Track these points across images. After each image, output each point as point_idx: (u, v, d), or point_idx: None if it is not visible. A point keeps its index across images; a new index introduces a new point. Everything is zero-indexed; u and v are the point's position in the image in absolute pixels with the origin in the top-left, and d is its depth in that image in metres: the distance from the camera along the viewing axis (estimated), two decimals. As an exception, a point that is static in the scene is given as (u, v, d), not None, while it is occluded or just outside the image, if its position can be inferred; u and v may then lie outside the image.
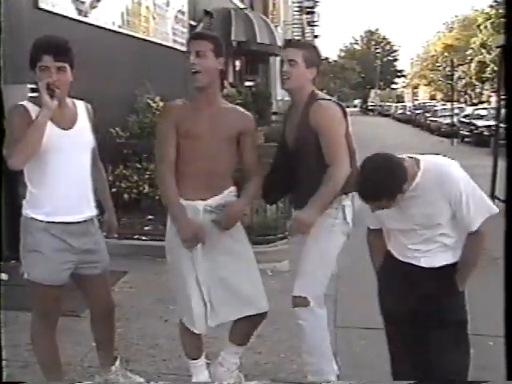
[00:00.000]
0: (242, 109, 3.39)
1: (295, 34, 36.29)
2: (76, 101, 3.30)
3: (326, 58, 51.08)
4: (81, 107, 3.30)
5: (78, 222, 3.19)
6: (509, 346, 1.88)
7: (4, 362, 3.00)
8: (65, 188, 3.14)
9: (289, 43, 3.58)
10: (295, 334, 3.55)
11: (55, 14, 7.51)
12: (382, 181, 2.55)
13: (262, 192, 3.50)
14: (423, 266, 2.83)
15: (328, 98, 3.41)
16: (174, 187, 3.19)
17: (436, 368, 2.85)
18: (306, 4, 41.76)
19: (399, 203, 2.68)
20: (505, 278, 2.43)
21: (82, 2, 8.43)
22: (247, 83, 21.00)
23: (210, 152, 3.19)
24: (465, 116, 26.44)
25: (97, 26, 8.89)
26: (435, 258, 2.81)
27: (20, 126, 2.98)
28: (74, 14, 8.14)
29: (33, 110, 3.05)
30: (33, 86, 3.38)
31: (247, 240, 3.41)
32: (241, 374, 3.60)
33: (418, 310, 2.83)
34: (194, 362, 3.48)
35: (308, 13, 43.06)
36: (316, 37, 51.15)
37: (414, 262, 2.86)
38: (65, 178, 3.13)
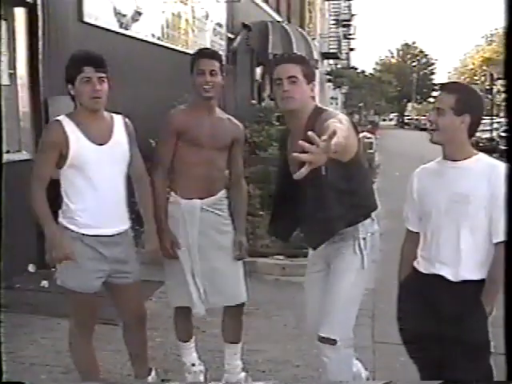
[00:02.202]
0: (234, 119, 3.68)
1: (331, 46, 36.32)
2: (114, 115, 3.34)
3: (363, 71, 50.84)
4: (118, 121, 3.33)
5: (111, 235, 3.25)
6: (509, 345, 1.85)
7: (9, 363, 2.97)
8: (98, 202, 3.19)
9: (284, 58, 3.17)
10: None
11: (98, 27, 7.66)
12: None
13: (270, 229, 3.45)
14: (449, 278, 2.76)
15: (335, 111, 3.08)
16: (162, 195, 3.53)
17: None
18: (343, 17, 41.81)
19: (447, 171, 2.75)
20: (505, 277, 2.39)
21: (124, 15, 8.58)
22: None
23: (209, 157, 3.50)
24: (504, 131, 26.06)
25: (138, 39, 9.04)
26: (462, 270, 2.74)
27: (50, 142, 3.15)
28: (116, 27, 8.30)
29: (68, 126, 3.14)
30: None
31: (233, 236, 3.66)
32: (248, 377, 3.78)
33: (438, 327, 2.76)
34: (185, 344, 3.80)
35: (344, 26, 43.11)
36: (352, 49, 51.18)
37: (439, 273, 2.79)
38: (98, 191, 3.18)
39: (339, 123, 2.51)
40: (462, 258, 2.75)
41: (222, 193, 3.63)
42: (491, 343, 2.75)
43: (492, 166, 2.74)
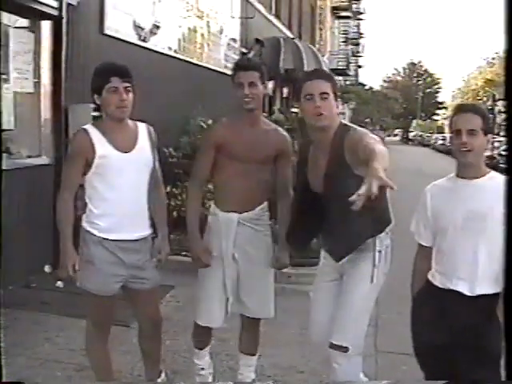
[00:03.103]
0: (281, 130, 3.49)
1: (340, 63, 36.37)
2: (138, 123, 3.35)
3: (370, 88, 50.91)
4: (142, 129, 3.34)
5: (131, 240, 3.25)
6: (509, 345, 1.84)
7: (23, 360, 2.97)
8: (120, 207, 3.20)
9: (315, 74, 3.16)
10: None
11: (118, 39, 7.73)
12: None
13: (288, 238, 3.38)
14: (465, 293, 2.75)
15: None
16: (195, 206, 3.45)
17: None
18: (352, 35, 41.94)
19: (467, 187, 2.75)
20: (505, 278, 2.39)
21: (143, 29, 8.65)
22: (294, 109, 21.08)
23: (248, 170, 3.30)
24: (505, 149, 26.05)
25: (155, 51, 9.10)
26: (478, 285, 2.73)
27: (77, 150, 3.18)
28: (135, 40, 8.37)
29: (94, 134, 3.16)
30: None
31: (271, 251, 3.54)
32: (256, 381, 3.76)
33: (453, 341, 2.75)
34: (201, 351, 3.65)
35: (353, 44, 43.23)
36: (360, 67, 51.20)
37: (456, 289, 2.78)
38: (121, 198, 3.20)
39: (376, 143, 2.66)
40: (478, 274, 2.74)
41: (262, 207, 3.44)
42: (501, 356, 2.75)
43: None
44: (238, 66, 3.39)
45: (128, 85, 3.16)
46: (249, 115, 3.33)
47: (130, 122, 3.29)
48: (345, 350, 3.06)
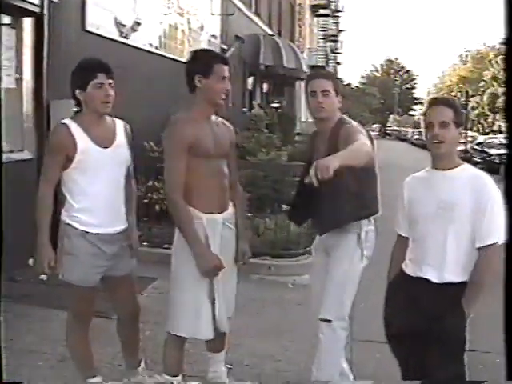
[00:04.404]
0: (226, 122, 3.39)
1: (319, 59, 36.41)
2: (116, 119, 3.34)
3: (348, 84, 51.07)
4: (119, 126, 3.33)
5: (112, 233, 3.25)
6: (509, 345, 1.87)
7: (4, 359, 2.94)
8: (100, 202, 3.19)
9: (319, 74, 3.55)
10: (314, 344, 3.57)
11: (100, 36, 7.67)
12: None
13: (288, 213, 3.55)
14: (433, 280, 2.79)
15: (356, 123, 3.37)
16: (190, 216, 3.12)
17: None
18: (330, 32, 41.90)
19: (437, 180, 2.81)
20: (505, 278, 2.43)
21: (124, 25, 8.60)
22: (273, 105, 21.10)
23: (220, 167, 3.25)
24: (478, 144, 26.39)
25: (136, 48, 9.05)
26: (446, 273, 2.78)
27: (58, 144, 3.15)
28: (116, 36, 8.32)
29: (74, 129, 3.14)
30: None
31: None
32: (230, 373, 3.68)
33: (420, 327, 2.79)
34: (174, 378, 3.35)
35: (332, 41, 43.20)
36: (338, 63, 51.19)
37: (425, 276, 2.82)
38: (101, 192, 3.19)
39: (359, 140, 2.99)
40: (446, 262, 2.78)
41: (231, 204, 3.36)
42: (467, 342, 2.80)
43: (476, 176, 2.79)
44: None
45: (112, 81, 3.16)
46: (213, 109, 3.22)
47: (107, 117, 3.27)
48: (329, 321, 3.31)
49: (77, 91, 3.16)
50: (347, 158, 2.79)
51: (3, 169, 5.69)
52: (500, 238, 2.72)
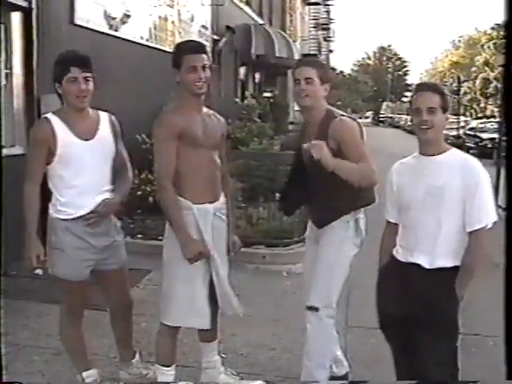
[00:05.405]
0: (217, 115, 3.39)
1: (311, 48, 36.30)
2: (100, 112, 3.32)
3: (341, 72, 51.00)
4: (104, 118, 3.31)
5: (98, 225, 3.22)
6: (509, 345, 1.87)
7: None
8: (86, 194, 3.18)
9: (303, 62, 3.45)
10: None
11: (89, 29, 7.62)
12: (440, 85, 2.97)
13: (279, 202, 3.56)
14: (425, 266, 2.79)
15: (344, 114, 3.38)
16: (178, 205, 3.11)
17: (425, 370, 2.80)
18: (322, 21, 41.75)
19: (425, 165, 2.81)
20: (505, 279, 2.43)
21: (114, 18, 8.53)
22: (266, 94, 21.07)
23: (211, 157, 3.25)
24: (470, 129, 26.41)
25: (126, 40, 8.99)
26: (437, 258, 2.78)
27: (39, 138, 3.13)
28: (105, 29, 8.25)
29: (55, 122, 3.13)
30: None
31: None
32: (236, 376, 3.65)
33: (412, 313, 2.79)
34: (167, 369, 3.35)
35: (324, 29, 43.07)
36: (331, 51, 51.17)
37: (416, 262, 2.82)
38: (85, 184, 3.17)
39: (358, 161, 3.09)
40: (437, 247, 2.78)
41: (223, 194, 3.35)
42: (459, 326, 2.80)
43: (464, 160, 2.79)
44: (190, 49, 3.18)
45: (88, 75, 3.12)
46: (198, 100, 3.19)
47: (91, 110, 3.25)
48: (316, 310, 3.28)
49: (56, 85, 3.15)
50: (345, 170, 3.09)
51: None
52: (489, 221, 2.72)
